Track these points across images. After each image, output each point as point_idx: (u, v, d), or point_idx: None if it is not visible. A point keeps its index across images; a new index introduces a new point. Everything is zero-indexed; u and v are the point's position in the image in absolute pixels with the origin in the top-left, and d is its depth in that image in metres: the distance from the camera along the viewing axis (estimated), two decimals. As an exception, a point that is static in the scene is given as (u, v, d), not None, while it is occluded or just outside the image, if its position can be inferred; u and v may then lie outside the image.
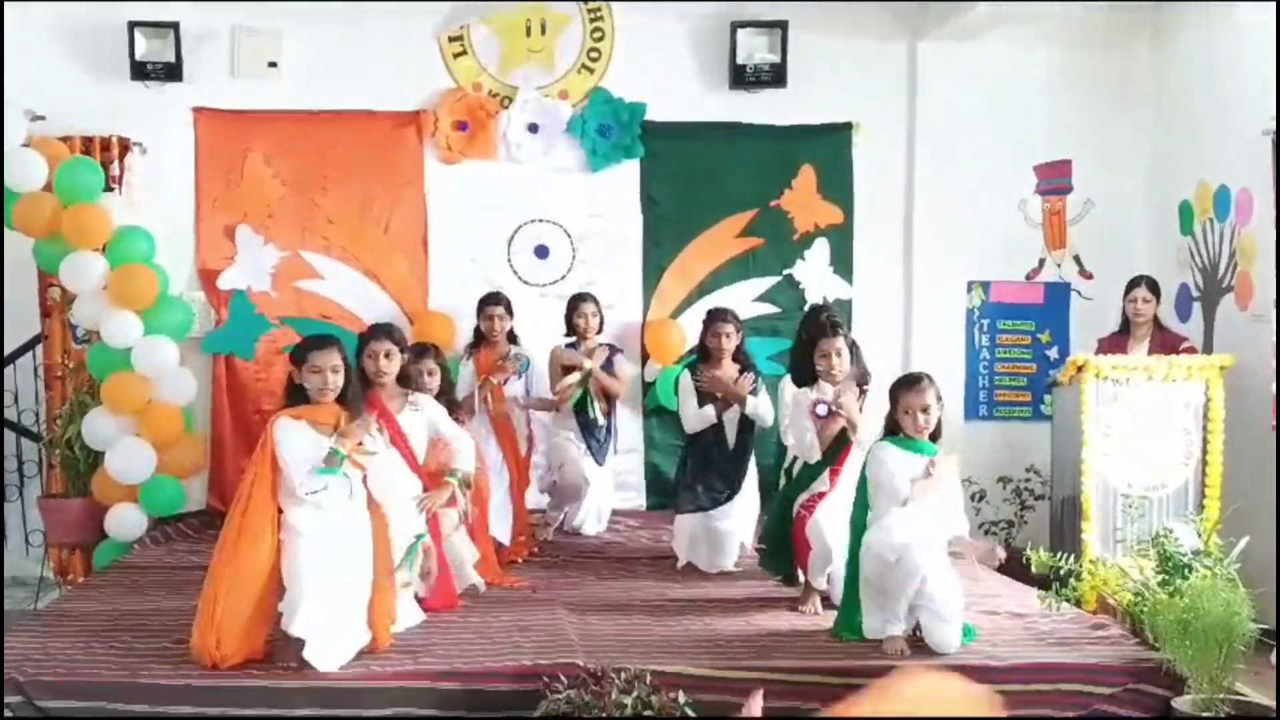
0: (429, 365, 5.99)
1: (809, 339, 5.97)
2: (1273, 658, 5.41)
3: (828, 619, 5.38)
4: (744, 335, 6.64)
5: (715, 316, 6.62)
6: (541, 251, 8.02)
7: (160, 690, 4.59)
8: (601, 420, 7.14)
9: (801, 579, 5.81)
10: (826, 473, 5.77)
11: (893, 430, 5.23)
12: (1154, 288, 7.10)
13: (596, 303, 7.29)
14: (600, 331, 7.33)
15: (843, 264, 8.10)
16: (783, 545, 5.92)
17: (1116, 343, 7.08)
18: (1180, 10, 7.67)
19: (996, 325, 8.21)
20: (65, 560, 7.42)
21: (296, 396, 4.96)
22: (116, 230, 7.23)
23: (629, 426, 7.91)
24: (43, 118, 7.58)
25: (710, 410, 6.46)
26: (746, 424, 6.50)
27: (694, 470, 6.55)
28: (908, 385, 5.20)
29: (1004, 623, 5.49)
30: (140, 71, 7.65)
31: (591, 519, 7.23)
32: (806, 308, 7.24)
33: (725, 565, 6.53)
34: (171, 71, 7.65)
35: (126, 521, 7.21)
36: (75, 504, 7.37)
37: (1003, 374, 8.22)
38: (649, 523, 7.56)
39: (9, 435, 7.75)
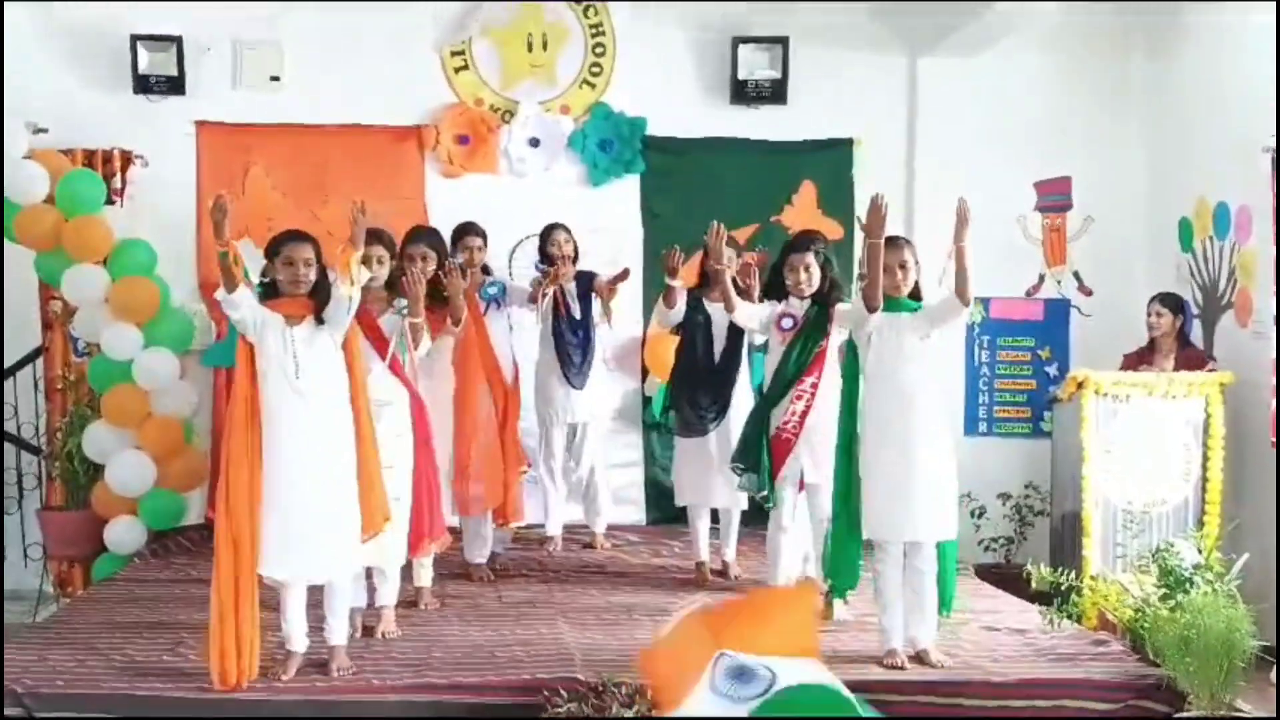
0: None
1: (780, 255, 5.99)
2: (1272, 675, 5.41)
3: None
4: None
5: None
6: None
7: (160, 702, 4.61)
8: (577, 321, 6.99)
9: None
10: (796, 386, 5.75)
11: None
12: (1169, 303, 7.03)
13: (568, 231, 7.09)
14: (576, 261, 7.09)
15: (843, 280, 8.09)
16: (760, 460, 5.82)
17: (1143, 358, 7.03)
18: (1179, 27, 7.69)
19: (996, 342, 8.21)
20: (65, 573, 7.41)
21: (269, 293, 4.92)
22: (118, 243, 7.23)
23: (629, 439, 7.95)
24: (45, 130, 7.57)
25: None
26: (735, 334, 6.33)
27: (680, 386, 6.47)
28: (885, 244, 5.18)
29: (1004, 639, 5.49)
30: (143, 84, 7.68)
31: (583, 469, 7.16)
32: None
33: (739, 499, 6.31)
34: (174, 85, 7.68)
35: (126, 534, 7.19)
36: (75, 517, 7.34)
37: (1003, 390, 8.22)
38: (649, 537, 7.55)
39: (8, 448, 7.73)
